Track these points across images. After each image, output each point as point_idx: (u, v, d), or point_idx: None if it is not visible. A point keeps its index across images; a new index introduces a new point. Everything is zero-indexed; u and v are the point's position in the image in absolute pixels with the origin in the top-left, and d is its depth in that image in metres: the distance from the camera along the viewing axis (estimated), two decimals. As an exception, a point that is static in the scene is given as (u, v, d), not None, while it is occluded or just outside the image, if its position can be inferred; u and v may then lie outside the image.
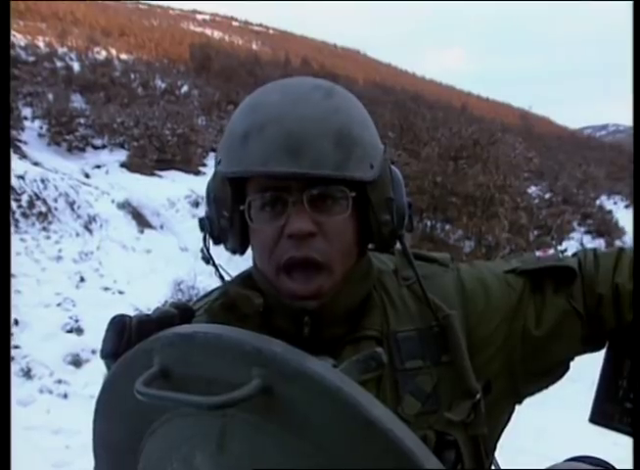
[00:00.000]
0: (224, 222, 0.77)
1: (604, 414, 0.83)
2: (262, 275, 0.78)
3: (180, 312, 0.66)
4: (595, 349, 0.84)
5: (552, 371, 0.83)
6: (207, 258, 0.80)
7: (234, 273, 0.85)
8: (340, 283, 0.75)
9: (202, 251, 0.80)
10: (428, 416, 0.74)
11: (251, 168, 0.71)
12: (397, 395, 0.75)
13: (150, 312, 0.66)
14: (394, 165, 0.81)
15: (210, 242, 0.81)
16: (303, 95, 0.74)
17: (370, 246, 0.81)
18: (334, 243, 0.73)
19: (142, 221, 8.38)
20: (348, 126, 0.73)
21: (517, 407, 0.86)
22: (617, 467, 0.94)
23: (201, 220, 0.81)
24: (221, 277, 0.80)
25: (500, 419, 0.83)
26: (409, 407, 0.74)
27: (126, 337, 0.61)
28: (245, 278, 0.82)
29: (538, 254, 0.85)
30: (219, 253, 0.83)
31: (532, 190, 13.86)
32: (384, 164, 0.77)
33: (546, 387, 0.85)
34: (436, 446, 0.73)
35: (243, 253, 0.81)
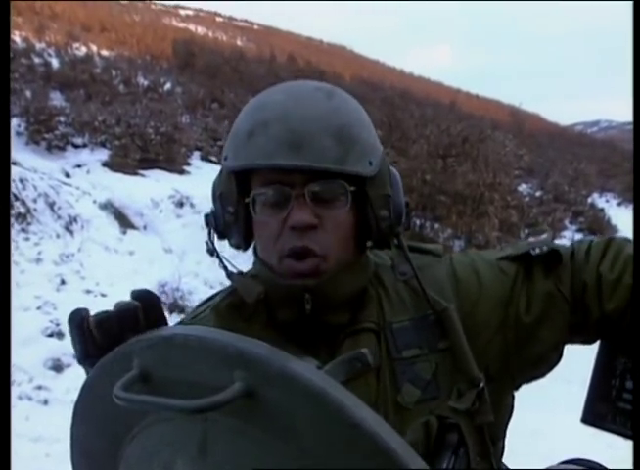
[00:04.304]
0: (229, 217, 0.82)
1: (596, 414, 0.82)
2: (265, 264, 0.82)
3: (143, 303, 0.62)
4: (584, 340, 0.85)
5: (545, 358, 0.84)
6: (212, 251, 0.84)
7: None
8: (334, 268, 0.79)
9: (206, 243, 0.84)
10: (428, 403, 0.76)
11: (256, 161, 0.76)
12: (396, 384, 0.77)
13: (109, 309, 0.63)
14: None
15: (215, 237, 0.85)
16: (306, 95, 0.78)
17: (369, 244, 0.85)
18: (332, 235, 0.78)
19: (125, 222, 8.22)
20: (348, 125, 0.77)
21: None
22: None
23: (206, 216, 0.85)
24: (225, 268, 0.83)
25: (501, 405, 0.83)
26: (409, 395, 0.77)
27: (89, 336, 0.60)
28: (249, 275, 0.85)
29: (531, 239, 0.82)
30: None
31: (523, 188, 13.97)
32: (382, 162, 0.81)
33: (542, 375, 0.86)
34: (439, 429, 0.75)
35: (246, 248, 0.85)
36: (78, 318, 0.62)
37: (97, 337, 0.60)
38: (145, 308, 0.62)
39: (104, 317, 0.61)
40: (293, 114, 0.75)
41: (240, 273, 0.85)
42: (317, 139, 0.74)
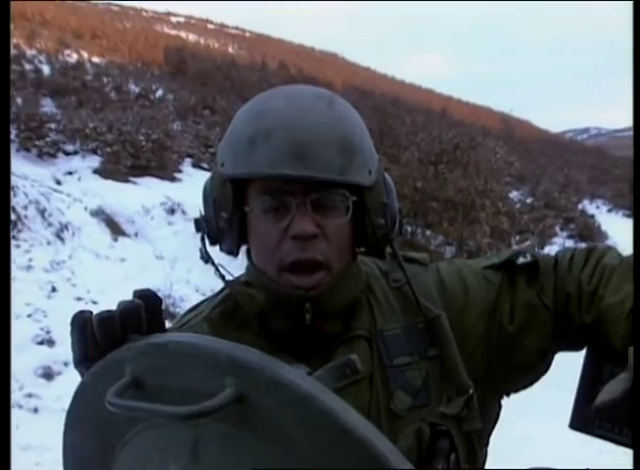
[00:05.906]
0: (222, 223, 0.80)
1: (584, 420, 0.83)
2: (262, 273, 0.81)
3: (145, 301, 0.61)
4: (570, 347, 0.85)
5: (530, 366, 0.85)
6: (207, 259, 0.83)
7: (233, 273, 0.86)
8: (336, 277, 0.79)
9: (200, 250, 0.83)
10: (420, 410, 0.78)
11: (259, 171, 0.75)
12: (388, 390, 0.79)
13: (112, 309, 0.62)
14: None
15: (208, 244, 0.84)
16: (308, 104, 0.78)
17: (361, 249, 0.84)
18: (333, 244, 0.78)
19: (116, 229, 8.18)
20: (351, 135, 0.78)
21: (500, 414, 0.88)
22: None
23: (197, 221, 0.84)
24: (222, 277, 0.83)
25: (486, 412, 0.84)
26: (401, 402, 0.78)
27: (90, 337, 0.59)
28: (242, 282, 0.85)
29: (515, 248, 0.82)
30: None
31: (514, 194, 14.07)
32: (379, 170, 0.81)
33: (530, 383, 0.86)
34: (431, 436, 0.76)
35: (238, 254, 0.84)
36: (81, 320, 0.61)
37: (98, 336, 0.59)
38: (147, 308, 0.61)
39: (106, 316, 0.60)
40: (296, 123, 0.75)
41: (236, 279, 0.84)
42: (321, 149, 0.74)
